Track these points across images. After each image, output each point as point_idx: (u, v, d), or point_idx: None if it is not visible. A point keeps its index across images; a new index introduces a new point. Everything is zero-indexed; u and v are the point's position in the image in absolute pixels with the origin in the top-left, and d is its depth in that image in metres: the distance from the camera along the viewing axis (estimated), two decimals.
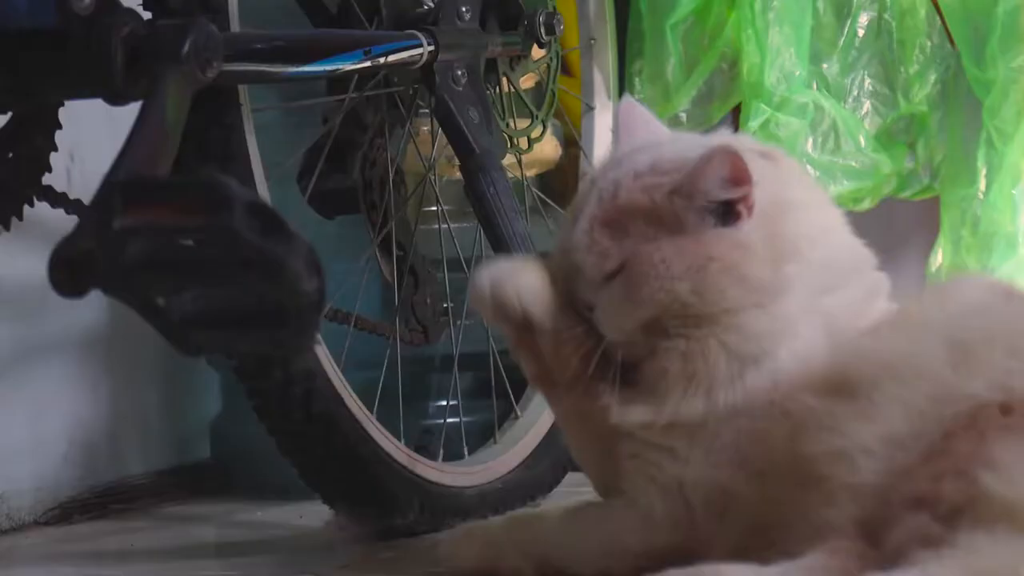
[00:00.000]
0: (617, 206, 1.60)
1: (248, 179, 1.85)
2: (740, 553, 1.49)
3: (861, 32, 2.52)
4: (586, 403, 1.63)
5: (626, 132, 1.70)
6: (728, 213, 1.58)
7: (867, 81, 2.52)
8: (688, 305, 1.57)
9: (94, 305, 2.40)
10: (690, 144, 1.65)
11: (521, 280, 1.64)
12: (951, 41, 2.52)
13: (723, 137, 1.67)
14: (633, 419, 1.61)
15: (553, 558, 1.68)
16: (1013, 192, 2.42)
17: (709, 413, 1.58)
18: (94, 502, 2.38)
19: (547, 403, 1.72)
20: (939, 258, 2.50)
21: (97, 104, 1.73)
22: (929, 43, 2.52)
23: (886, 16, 2.54)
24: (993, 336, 1.45)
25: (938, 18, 2.55)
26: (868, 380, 1.46)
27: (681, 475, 1.59)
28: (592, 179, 1.65)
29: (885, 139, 2.53)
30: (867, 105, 2.52)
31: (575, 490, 2.06)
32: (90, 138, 2.19)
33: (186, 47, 1.63)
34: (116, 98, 1.66)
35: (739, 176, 1.57)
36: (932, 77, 2.52)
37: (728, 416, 1.57)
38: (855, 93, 2.51)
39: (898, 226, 3.04)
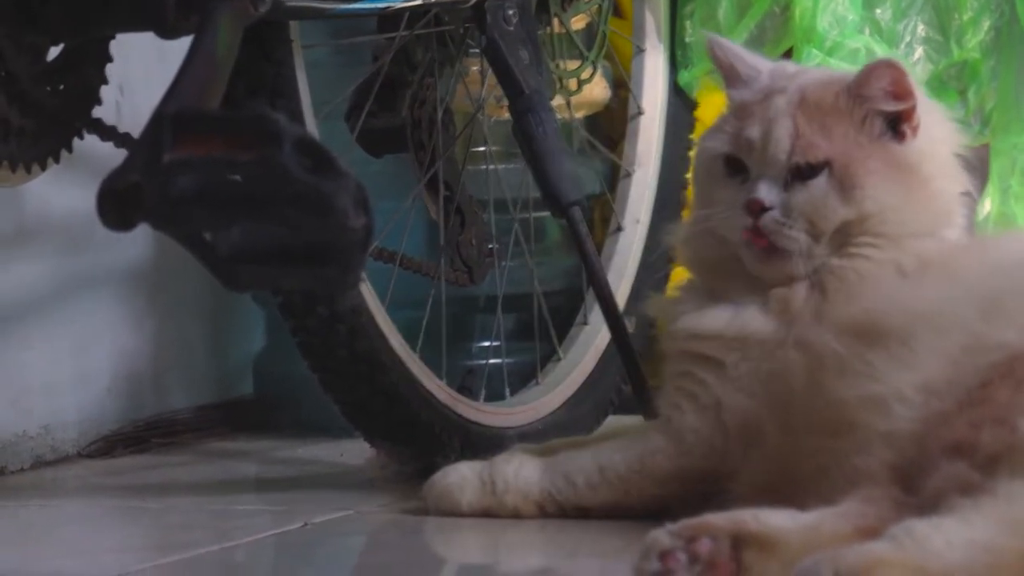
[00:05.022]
0: (813, 105, 1.66)
1: (297, 116, 1.85)
2: (764, 490, 1.50)
3: None
4: None
5: (743, 57, 1.74)
6: (894, 130, 1.66)
7: (920, 27, 2.49)
8: (886, 217, 1.63)
9: (141, 239, 2.40)
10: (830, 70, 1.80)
11: None
12: None
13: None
14: (708, 326, 1.65)
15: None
16: None
17: (780, 334, 1.63)
18: (137, 436, 2.39)
19: None
20: (987, 206, 2.48)
21: (148, 38, 1.73)
22: None
23: None
24: (1018, 288, 1.45)
25: None
26: (902, 328, 1.46)
27: (722, 395, 1.63)
28: (763, 90, 1.70)
29: (937, 86, 2.50)
30: (919, 51, 2.49)
31: None
32: (140, 72, 2.19)
33: None
34: (167, 32, 1.66)
35: (903, 89, 1.65)
36: (986, 24, 2.50)
37: (783, 342, 1.60)
38: (908, 39, 2.49)
39: None
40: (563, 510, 1.74)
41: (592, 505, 1.73)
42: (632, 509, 1.71)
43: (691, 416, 1.67)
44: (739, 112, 1.71)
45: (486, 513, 1.76)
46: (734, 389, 1.65)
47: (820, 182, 1.65)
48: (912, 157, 1.66)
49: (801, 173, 1.66)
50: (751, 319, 1.66)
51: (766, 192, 1.66)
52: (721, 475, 1.63)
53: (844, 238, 1.65)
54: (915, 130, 1.67)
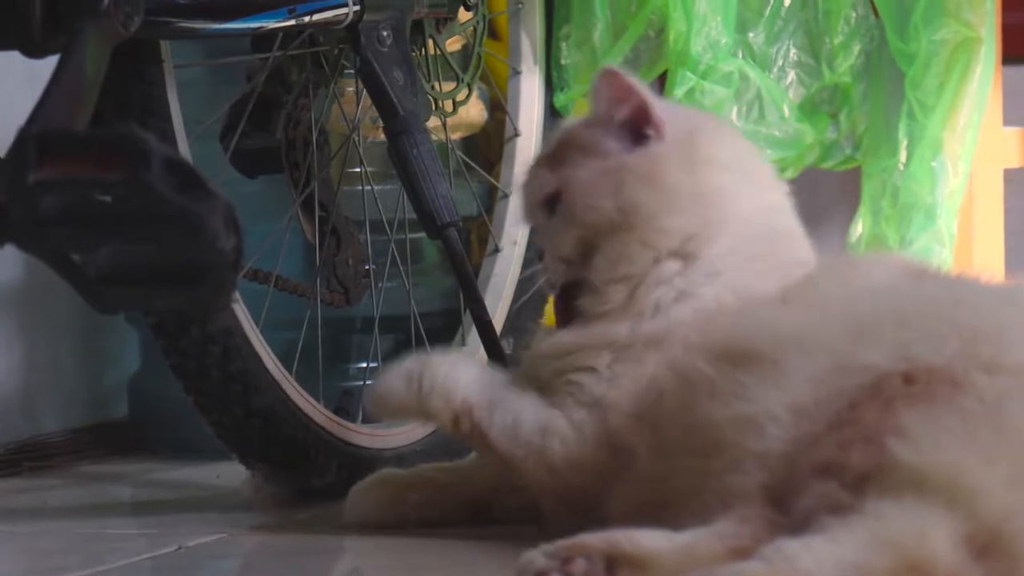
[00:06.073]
0: (555, 142, 1.74)
1: (169, 136, 1.84)
2: (639, 510, 1.52)
3: (787, 2, 2.52)
4: None
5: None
6: (640, 136, 1.69)
7: (792, 51, 2.52)
8: (614, 221, 1.67)
9: (10, 259, 2.37)
10: None
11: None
12: (875, 12, 2.53)
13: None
14: (564, 340, 1.68)
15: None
16: (933, 164, 2.43)
17: (633, 335, 1.65)
18: (8, 459, 2.36)
19: None
20: (859, 228, 2.51)
21: (15, 56, 1.71)
22: (854, 14, 2.53)
23: None
24: (881, 311, 1.47)
25: None
26: (773, 350, 1.48)
27: (602, 394, 1.65)
28: None
29: (809, 109, 2.53)
30: (792, 75, 2.52)
31: None
32: (7, 91, 2.17)
33: (106, 0, 1.61)
34: (34, 51, 1.64)
35: (621, 92, 1.69)
36: (856, 48, 2.53)
37: (651, 345, 1.64)
38: (780, 63, 2.52)
39: (821, 196, 3.05)
40: (473, 433, 1.71)
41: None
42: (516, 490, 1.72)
43: (578, 411, 1.68)
44: None
45: (410, 414, 1.76)
46: (611, 387, 1.66)
47: (557, 213, 1.71)
48: (656, 159, 1.69)
49: (551, 210, 1.72)
50: (605, 325, 1.68)
51: (538, 236, 1.78)
52: (598, 491, 1.64)
53: (610, 248, 1.68)
54: (659, 129, 1.69)
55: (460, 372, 1.73)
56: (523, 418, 1.68)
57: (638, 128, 1.70)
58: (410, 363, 1.75)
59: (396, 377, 1.75)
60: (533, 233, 1.87)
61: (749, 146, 1.80)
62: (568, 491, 1.66)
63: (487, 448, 1.71)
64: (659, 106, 1.71)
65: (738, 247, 1.68)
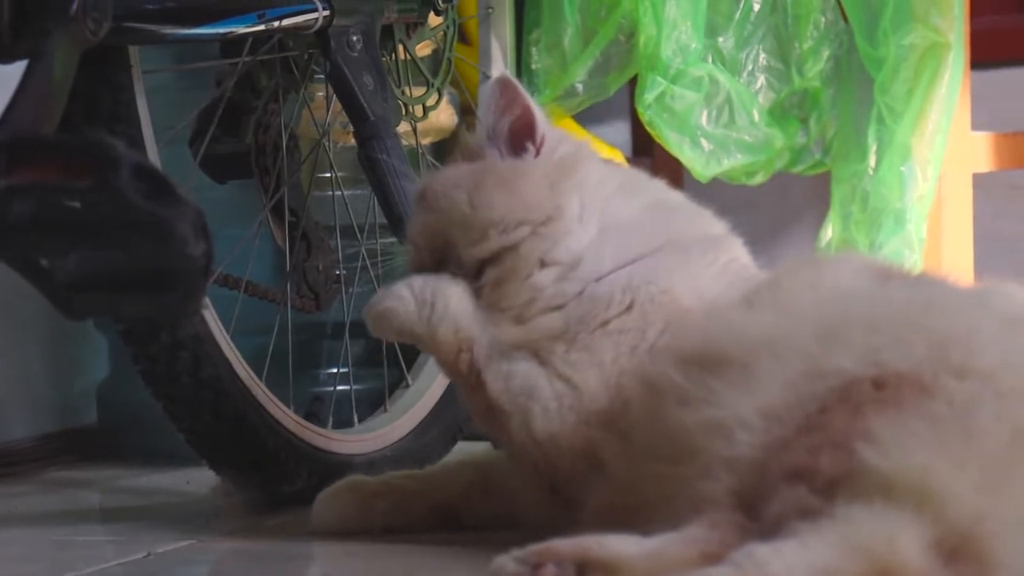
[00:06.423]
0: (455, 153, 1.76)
1: (138, 141, 1.83)
2: (610, 516, 1.52)
3: (757, 7, 2.53)
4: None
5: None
6: (520, 150, 1.72)
7: (762, 56, 2.53)
8: (465, 215, 1.69)
9: None
10: None
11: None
12: (844, 18, 2.54)
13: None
14: (510, 337, 1.68)
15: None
16: (902, 169, 2.45)
17: (568, 322, 1.66)
18: None
19: None
20: (829, 233, 2.52)
21: None
22: (823, 19, 2.54)
23: None
24: (851, 315, 1.48)
25: None
26: (742, 354, 1.48)
27: (569, 375, 1.65)
28: None
29: (778, 114, 2.54)
30: (761, 80, 2.53)
31: None
32: None
33: (75, 5, 1.61)
34: (2, 56, 1.64)
35: (512, 98, 1.71)
36: (825, 53, 2.54)
37: (589, 326, 1.64)
38: (750, 67, 2.53)
39: (790, 201, 3.06)
40: (469, 371, 1.68)
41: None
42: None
43: (557, 382, 1.67)
44: None
45: (411, 337, 1.71)
46: (575, 371, 1.65)
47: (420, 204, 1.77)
48: (522, 169, 1.71)
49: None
50: (541, 319, 1.68)
51: None
52: (572, 486, 1.64)
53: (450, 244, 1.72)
54: (539, 144, 1.71)
55: (468, 304, 1.68)
56: (516, 371, 1.66)
57: (520, 140, 1.71)
58: (418, 284, 1.69)
59: (403, 298, 1.69)
60: None
61: (618, 170, 1.80)
62: (545, 466, 1.66)
63: (480, 393, 1.67)
64: (545, 125, 1.73)
65: (607, 239, 1.69)
